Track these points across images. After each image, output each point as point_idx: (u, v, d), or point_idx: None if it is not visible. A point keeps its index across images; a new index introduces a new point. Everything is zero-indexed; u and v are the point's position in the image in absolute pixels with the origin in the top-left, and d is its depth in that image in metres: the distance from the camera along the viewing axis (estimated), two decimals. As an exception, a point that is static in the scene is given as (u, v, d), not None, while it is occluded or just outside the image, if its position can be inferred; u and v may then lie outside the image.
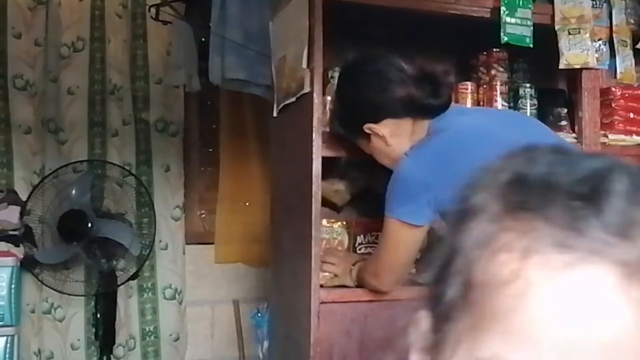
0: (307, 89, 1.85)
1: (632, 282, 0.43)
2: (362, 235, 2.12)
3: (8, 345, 2.79)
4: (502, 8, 2.00)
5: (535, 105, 2.15)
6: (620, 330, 0.43)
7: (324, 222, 2.04)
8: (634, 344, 0.43)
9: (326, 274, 1.90)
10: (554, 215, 0.45)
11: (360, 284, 1.87)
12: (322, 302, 1.81)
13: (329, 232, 2.06)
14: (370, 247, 2.09)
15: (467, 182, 0.52)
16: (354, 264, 1.90)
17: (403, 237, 1.68)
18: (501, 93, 2.14)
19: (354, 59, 1.83)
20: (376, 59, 1.74)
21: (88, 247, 2.94)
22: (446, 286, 0.49)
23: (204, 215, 3.55)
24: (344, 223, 2.11)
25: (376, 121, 1.71)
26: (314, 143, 1.82)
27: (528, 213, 0.46)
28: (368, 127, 1.72)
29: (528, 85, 2.18)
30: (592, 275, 0.43)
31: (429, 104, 1.68)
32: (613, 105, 2.15)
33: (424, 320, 0.52)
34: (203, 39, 2.89)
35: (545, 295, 0.43)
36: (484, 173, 0.51)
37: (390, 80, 1.69)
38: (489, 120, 1.74)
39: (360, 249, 2.10)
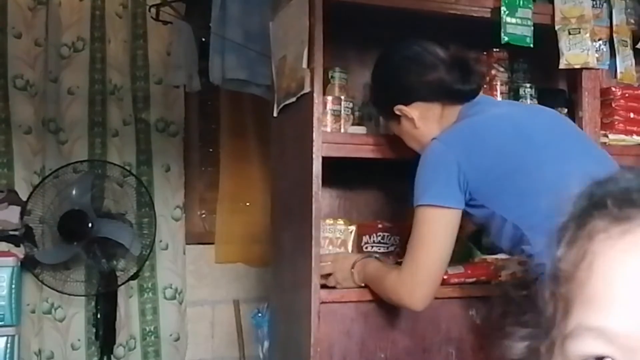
0: (307, 89, 1.86)
1: None
2: (368, 236, 2.09)
3: (8, 345, 2.79)
4: (503, 8, 2.00)
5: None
6: None
7: (328, 220, 2.03)
8: None
9: (329, 279, 1.86)
10: (612, 201, 0.50)
11: (385, 300, 1.78)
12: (323, 302, 1.81)
13: (332, 230, 2.04)
14: (376, 246, 2.07)
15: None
16: (353, 264, 1.84)
17: (437, 224, 1.58)
18: (501, 93, 2.15)
19: (394, 43, 1.83)
20: (413, 43, 1.76)
21: (88, 247, 2.94)
22: (545, 302, 0.55)
23: (204, 215, 3.55)
24: (348, 221, 2.10)
25: (406, 103, 1.73)
26: (314, 143, 1.82)
27: (591, 207, 0.52)
28: (398, 108, 1.75)
29: (528, 85, 2.18)
30: None
31: (458, 90, 1.70)
32: (613, 105, 2.15)
33: (540, 345, 0.56)
34: (203, 39, 2.90)
35: (609, 260, 0.48)
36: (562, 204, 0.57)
37: (422, 64, 1.72)
38: (520, 112, 1.75)
39: (366, 248, 2.08)
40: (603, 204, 0.51)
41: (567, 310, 0.50)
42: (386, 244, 2.09)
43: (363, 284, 1.84)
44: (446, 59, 1.71)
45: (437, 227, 1.59)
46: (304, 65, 1.86)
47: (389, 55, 1.82)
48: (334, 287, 1.88)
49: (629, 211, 0.49)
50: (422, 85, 1.71)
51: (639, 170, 0.53)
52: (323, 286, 1.84)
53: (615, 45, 2.20)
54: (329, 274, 1.87)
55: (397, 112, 1.76)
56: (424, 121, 1.73)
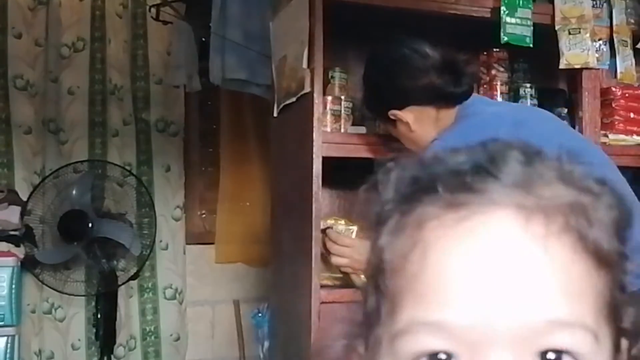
0: (307, 89, 1.86)
1: (530, 220, 0.44)
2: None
3: (8, 345, 2.78)
4: (502, 8, 2.00)
5: (535, 105, 2.15)
6: (523, 260, 0.43)
7: (329, 220, 2.02)
8: (538, 270, 0.43)
9: (344, 265, 1.79)
10: (443, 185, 0.45)
11: None
12: (323, 302, 1.81)
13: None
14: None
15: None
16: None
17: None
18: (501, 93, 2.14)
19: (381, 44, 1.80)
20: (401, 45, 1.73)
21: (88, 247, 2.94)
22: (367, 297, 0.50)
23: (204, 215, 3.55)
24: (349, 221, 2.08)
25: (400, 107, 1.72)
26: (314, 143, 1.82)
27: (418, 192, 0.47)
28: (392, 113, 1.73)
29: (528, 85, 2.18)
30: (489, 220, 0.44)
31: (450, 92, 1.68)
32: (613, 105, 2.15)
33: (358, 344, 0.52)
34: (203, 39, 2.90)
35: (444, 250, 0.44)
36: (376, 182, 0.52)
37: (414, 68, 1.69)
38: (517, 111, 1.74)
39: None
40: (432, 188, 0.46)
41: (396, 305, 0.46)
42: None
43: None
44: (436, 62, 1.69)
45: None
46: (304, 65, 1.86)
47: (377, 58, 1.80)
48: (335, 287, 1.88)
49: (463, 197, 0.45)
50: (414, 90, 1.70)
51: (469, 149, 0.49)
52: (323, 286, 1.84)
53: (616, 45, 2.20)
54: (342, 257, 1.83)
55: (392, 117, 1.74)
56: (419, 124, 1.71)
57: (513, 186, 0.45)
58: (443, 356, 0.43)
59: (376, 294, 0.49)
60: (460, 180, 0.45)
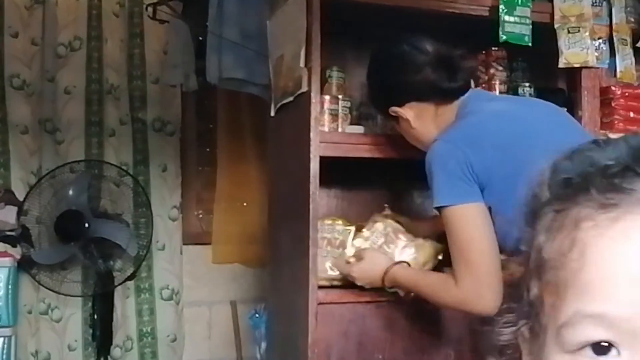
0: (304, 88, 1.85)
1: None
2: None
3: (5, 346, 2.78)
4: (501, 6, 2.00)
5: (534, 104, 2.14)
6: None
7: (327, 220, 2.00)
8: None
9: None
10: (595, 186, 0.50)
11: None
12: (320, 303, 1.80)
13: (330, 230, 2.00)
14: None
15: (522, 195, 0.58)
16: (383, 277, 1.74)
17: (467, 222, 1.53)
18: (500, 92, 2.14)
19: (383, 42, 1.81)
20: (401, 41, 1.74)
21: (85, 248, 2.93)
22: (529, 287, 0.56)
23: (201, 216, 3.54)
24: (347, 221, 2.06)
25: (400, 104, 1.73)
26: (311, 142, 1.81)
27: (572, 191, 0.52)
28: (393, 110, 1.74)
29: (527, 84, 2.17)
30: (638, 221, 0.48)
31: (446, 88, 1.69)
32: (613, 104, 2.14)
33: (523, 328, 0.58)
34: (200, 38, 2.89)
35: (601, 249, 0.49)
36: (532, 180, 0.57)
37: (410, 65, 1.70)
38: (519, 106, 1.74)
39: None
40: (585, 189, 0.51)
41: (559, 298, 0.51)
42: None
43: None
44: (431, 58, 1.69)
45: (469, 225, 1.53)
46: (302, 64, 1.86)
47: (377, 56, 1.82)
48: (333, 287, 1.87)
49: (615, 197, 0.49)
50: (411, 86, 1.71)
51: (614, 146, 0.53)
52: (320, 287, 1.83)
53: (615, 44, 2.19)
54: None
55: (393, 114, 1.75)
56: (420, 121, 1.72)
57: None
58: (605, 344, 0.48)
59: (539, 285, 0.54)
60: (610, 181, 0.50)
